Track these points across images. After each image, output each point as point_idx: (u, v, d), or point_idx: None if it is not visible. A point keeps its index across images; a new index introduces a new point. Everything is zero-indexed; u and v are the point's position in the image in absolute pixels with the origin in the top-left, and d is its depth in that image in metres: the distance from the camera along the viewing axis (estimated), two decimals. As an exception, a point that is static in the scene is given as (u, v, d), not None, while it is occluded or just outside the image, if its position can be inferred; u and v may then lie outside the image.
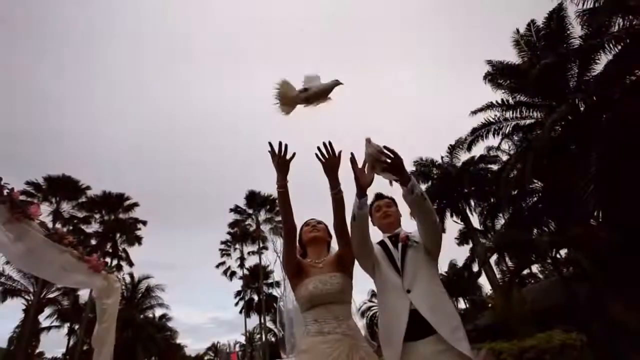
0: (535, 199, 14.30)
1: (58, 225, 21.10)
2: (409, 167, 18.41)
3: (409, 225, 2.16)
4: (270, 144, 1.74)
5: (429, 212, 1.76)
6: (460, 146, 16.81)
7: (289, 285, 1.90)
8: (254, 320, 31.63)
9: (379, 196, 2.18)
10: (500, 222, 16.23)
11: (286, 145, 1.73)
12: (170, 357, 31.76)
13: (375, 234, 2.03)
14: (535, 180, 14.08)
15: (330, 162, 1.78)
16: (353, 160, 1.79)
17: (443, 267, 25.11)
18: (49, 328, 23.81)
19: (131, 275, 26.18)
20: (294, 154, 1.77)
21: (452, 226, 19.14)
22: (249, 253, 29.15)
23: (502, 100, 13.80)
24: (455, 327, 1.64)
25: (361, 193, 1.75)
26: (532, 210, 14.19)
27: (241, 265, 29.21)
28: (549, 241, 11.97)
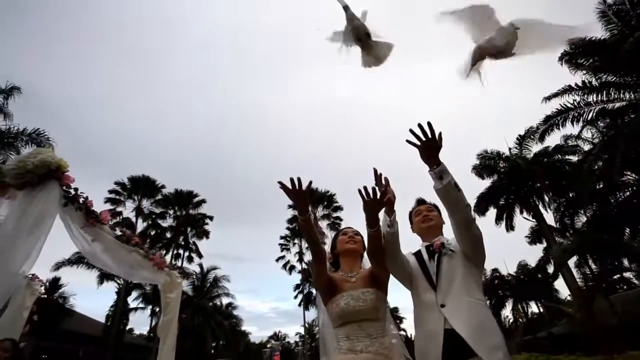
0: (628, 193, 12.39)
1: (140, 220, 23.82)
2: (473, 160, 17.20)
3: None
4: (279, 182, 1.64)
5: (461, 204, 1.59)
6: (532, 136, 15.15)
7: (319, 298, 1.86)
8: (312, 313, 32.41)
9: (420, 201, 2.04)
10: (582, 219, 14.40)
11: (299, 179, 1.62)
12: (235, 342, 34.05)
13: (413, 244, 1.91)
14: (627, 172, 12.19)
15: (370, 204, 1.61)
16: (386, 181, 1.69)
17: (511, 268, 23.13)
18: (135, 309, 27.02)
19: (200, 266, 28.41)
20: (310, 183, 1.67)
21: (522, 224, 17.48)
22: (307, 248, 29.78)
23: (584, 82, 12.11)
24: (494, 346, 1.47)
25: (390, 211, 1.64)
26: (623, 206, 12.32)
27: (300, 260, 30.00)
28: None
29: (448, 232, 2.05)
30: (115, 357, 19.65)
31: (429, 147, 1.57)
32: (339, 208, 27.20)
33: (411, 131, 1.57)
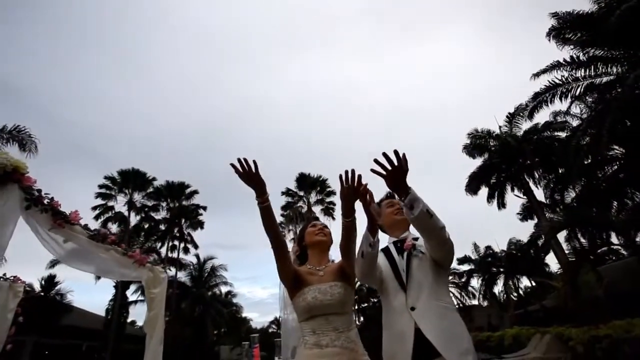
0: (616, 167, 12.51)
1: (132, 214, 23.67)
2: (464, 140, 17.19)
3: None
4: (232, 164, 1.57)
5: (436, 230, 1.53)
6: (521, 114, 15.17)
7: (286, 292, 1.83)
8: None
9: (391, 194, 1.99)
10: (571, 195, 14.59)
11: (246, 160, 1.56)
12: (237, 329, 34.62)
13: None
14: (615, 147, 12.27)
15: (347, 191, 1.55)
16: (371, 195, 1.62)
17: (503, 245, 23.50)
18: (135, 302, 27.23)
19: (197, 256, 28.51)
20: (256, 164, 1.58)
21: (514, 201, 17.67)
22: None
23: (572, 57, 12.01)
24: (463, 351, 1.47)
25: (374, 230, 1.58)
26: (610, 180, 12.47)
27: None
28: (632, 216, 10.46)
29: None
30: (117, 349, 19.88)
31: (396, 175, 1.47)
32: (332, 193, 27.23)
33: (376, 161, 1.47)
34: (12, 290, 4.18)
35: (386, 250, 1.83)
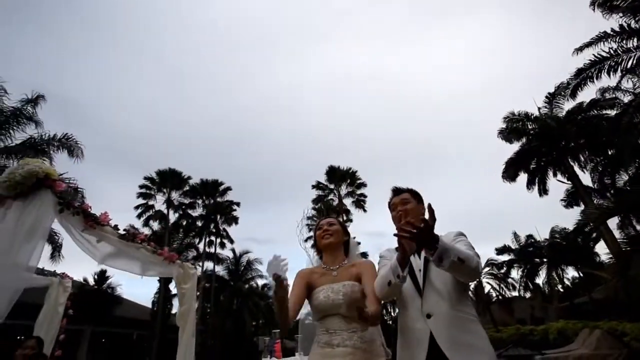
0: (675, 146, 11.31)
1: (171, 212, 24.90)
2: (499, 124, 16.25)
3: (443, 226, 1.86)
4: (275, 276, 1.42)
5: (471, 272, 1.41)
6: (562, 93, 14.05)
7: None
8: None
9: (394, 191, 1.88)
10: (623, 178, 13.40)
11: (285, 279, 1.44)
12: (274, 320, 35.65)
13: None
14: (675, 123, 11.06)
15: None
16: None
17: (544, 233, 22.08)
18: (176, 295, 28.83)
19: (233, 251, 29.53)
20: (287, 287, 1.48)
21: (556, 187, 16.54)
22: (333, 227, 30.10)
23: (622, 26, 10.91)
24: None
25: (404, 263, 1.46)
26: (669, 161, 11.30)
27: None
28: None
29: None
30: (163, 338, 21.15)
31: (424, 234, 1.30)
32: (363, 185, 27.00)
33: (398, 232, 1.34)
34: (62, 286, 4.55)
35: None
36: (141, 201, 24.14)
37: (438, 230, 1.66)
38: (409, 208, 1.76)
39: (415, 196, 1.83)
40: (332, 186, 28.10)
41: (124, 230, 3.06)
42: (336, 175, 27.43)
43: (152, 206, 24.41)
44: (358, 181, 27.62)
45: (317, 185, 28.38)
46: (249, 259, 30.51)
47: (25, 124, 12.59)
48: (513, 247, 22.33)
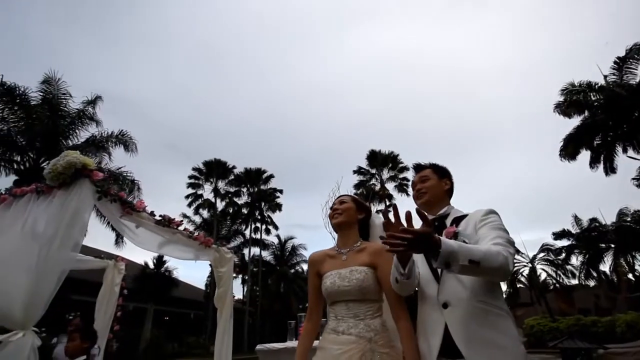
0: None
1: (218, 200, 26.21)
2: (556, 97, 14.72)
3: (466, 203, 1.69)
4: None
5: (492, 273, 1.22)
6: (636, 56, 12.31)
7: None
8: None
9: (414, 168, 1.76)
10: None
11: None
12: (319, 304, 36.52)
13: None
14: None
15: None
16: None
17: (610, 216, 19.84)
18: (228, 278, 30.58)
19: (278, 237, 30.56)
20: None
21: (626, 164, 14.73)
22: (377, 211, 29.80)
23: None
24: None
25: (404, 260, 1.33)
26: None
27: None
28: None
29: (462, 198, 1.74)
30: (215, 318, 22.67)
31: (417, 246, 1.12)
32: (405, 169, 26.25)
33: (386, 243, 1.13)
34: (117, 268, 4.98)
35: None
36: (191, 191, 25.75)
37: (470, 208, 1.54)
38: (427, 186, 1.63)
39: (438, 171, 1.67)
40: (373, 171, 27.69)
41: (160, 216, 3.22)
42: (377, 159, 26.95)
43: (201, 195, 25.93)
44: (400, 165, 26.91)
45: (359, 170, 28.13)
46: (293, 245, 31.38)
47: (87, 124, 13.84)
48: (573, 231, 20.45)
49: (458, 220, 1.50)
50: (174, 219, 3.41)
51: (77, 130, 13.36)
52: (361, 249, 1.61)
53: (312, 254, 1.78)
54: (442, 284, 1.37)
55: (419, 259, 1.51)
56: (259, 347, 2.86)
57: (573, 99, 14.26)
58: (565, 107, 14.43)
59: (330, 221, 1.74)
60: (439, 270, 1.39)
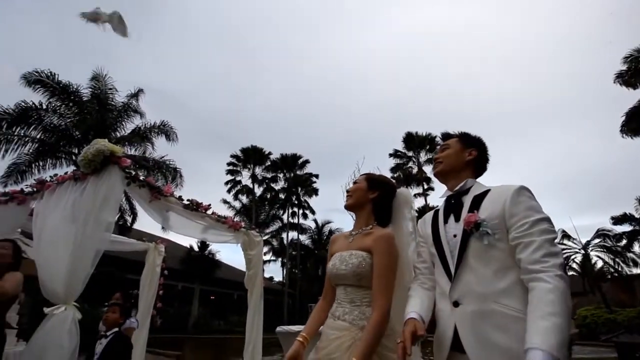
0: None
1: (256, 186, 26.97)
2: (617, 67, 13.12)
3: (494, 177, 1.51)
4: None
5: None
6: None
7: None
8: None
9: (442, 137, 1.62)
10: None
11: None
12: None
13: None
14: None
15: None
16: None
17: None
18: (269, 261, 31.71)
19: (315, 221, 30.95)
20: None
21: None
22: (415, 195, 29.17)
23: None
24: None
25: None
26: None
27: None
28: None
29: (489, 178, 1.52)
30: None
31: None
32: (444, 151, 25.18)
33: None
34: (157, 250, 5.30)
35: (437, 213, 1.42)
36: (229, 177, 26.70)
37: (497, 182, 1.34)
38: (443, 155, 1.47)
39: (463, 140, 1.47)
40: (410, 153, 26.90)
41: (188, 200, 3.33)
42: (414, 141, 26.11)
43: (240, 181, 26.83)
44: (438, 147, 25.86)
45: (395, 154, 27.48)
46: (330, 229, 31.66)
47: (132, 116, 14.72)
48: (637, 215, 18.49)
49: (479, 198, 1.28)
50: (201, 203, 3.51)
51: (123, 123, 14.27)
52: (368, 233, 1.51)
53: (333, 236, 1.75)
54: (455, 280, 1.22)
55: (430, 244, 1.39)
56: (278, 329, 2.92)
57: (639, 67, 12.63)
58: (629, 77, 12.82)
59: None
60: (452, 264, 1.25)
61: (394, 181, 1.69)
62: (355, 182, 1.66)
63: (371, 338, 1.25)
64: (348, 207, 1.62)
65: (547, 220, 1.14)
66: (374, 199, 1.58)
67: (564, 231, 18.75)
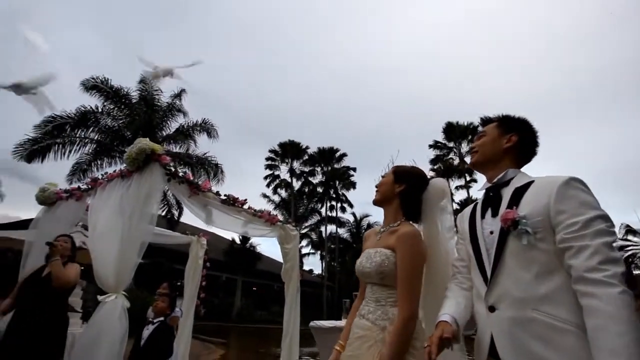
0: None
1: (294, 180, 27.38)
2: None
3: (536, 167, 1.35)
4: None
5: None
6: None
7: None
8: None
9: (482, 122, 1.49)
10: None
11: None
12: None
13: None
14: None
15: None
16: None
17: None
18: (308, 254, 32.21)
19: (353, 214, 30.86)
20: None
21: None
22: (456, 188, 27.99)
23: None
24: None
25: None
26: None
27: (450, 200, 28.55)
28: None
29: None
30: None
31: None
32: (488, 140, 23.83)
33: None
34: (199, 243, 5.55)
35: (474, 208, 1.31)
36: (268, 172, 27.35)
37: (542, 173, 1.18)
38: (479, 143, 1.33)
39: (503, 125, 1.31)
40: (451, 144, 25.79)
41: (225, 195, 3.43)
42: (455, 131, 24.99)
43: (278, 176, 27.37)
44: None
45: (435, 145, 26.51)
46: (369, 222, 31.41)
47: (176, 115, 15.50)
48: None
49: (520, 191, 1.13)
50: (238, 198, 3.61)
51: (168, 122, 15.08)
52: (394, 230, 1.43)
53: (367, 231, 1.70)
54: (492, 282, 1.10)
55: (466, 241, 1.27)
56: (311, 323, 2.93)
57: None
58: None
59: None
60: (488, 264, 1.13)
61: (425, 172, 1.56)
62: (383, 176, 1.58)
63: (394, 344, 1.20)
64: (375, 203, 1.56)
65: (604, 218, 0.96)
66: (401, 192, 1.48)
67: (627, 226, 17.03)
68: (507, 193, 1.18)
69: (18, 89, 3.39)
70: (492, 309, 1.08)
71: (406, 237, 1.33)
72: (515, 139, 1.26)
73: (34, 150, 12.28)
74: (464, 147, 24.93)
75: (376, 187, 1.57)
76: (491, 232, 1.16)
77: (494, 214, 1.18)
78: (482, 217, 1.23)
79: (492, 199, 1.23)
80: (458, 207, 29.45)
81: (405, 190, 1.48)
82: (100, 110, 13.52)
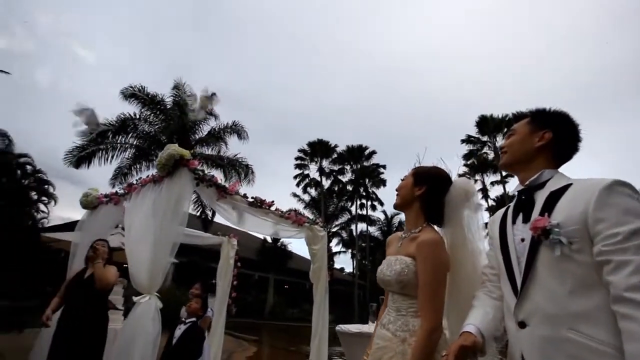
0: None
1: (323, 178, 27.39)
2: None
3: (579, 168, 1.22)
4: None
5: None
6: None
7: None
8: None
9: (514, 118, 1.34)
10: None
11: None
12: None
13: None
14: None
15: None
16: None
17: None
18: (339, 252, 32.14)
19: (384, 212, 30.40)
20: None
21: None
22: (492, 183, 26.75)
23: None
24: None
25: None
26: None
27: (485, 197, 27.24)
28: None
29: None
30: (329, 290, 24.37)
31: None
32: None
33: None
34: (230, 243, 5.69)
35: (505, 214, 1.20)
36: (298, 171, 27.56)
37: (585, 175, 1.07)
38: (508, 143, 1.23)
39: (536, 120, 1.19)
40: (484, 138, 24.69)
41: (252, 197, 3.48)
42: (489, 125, 23.88)
43: (307, 175, 27.51)
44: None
45: (468, 139, 25.48)
46: (400, 220, 30.83)
47: (208, 118, 16.01)
48: None
49: (556, 195, 1.02)
50: (265, 199, 3.64)
51: (200, 125, 15.61)
52: (415, 236, 1.35)
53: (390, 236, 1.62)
54: (521, 296, 1.01)
55: (496, 247, 1.18)
56: (338, 327, 2.89)
57: None
58: None
59: None
60: (518, 275, 1.03)
61: (447, 172, 1.44)
62: (402, 179, 1.50)
63: (417, 357, 1.15)
64: (396, 207, 1.49)
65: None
66: (421, 195, 1.40)
67: None
68: (540, 197, 1.07)
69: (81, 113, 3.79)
70: (522, 324, 1.00)
71: (426, 245, 1.26)
72: (549, 136, 1.15)
73: (81, 156, 13.18)
74: (499, 141, 23.76)
75: (396, 190, 1.50)
76: (522, 240, 1.07)
77: (525, 220, 1.08)
78: (513, 222, 1.13)
79: (524, 202, 1.12)
80: (494, 204, 28.17)
81: (425, 193, 1.40)
82: (138, 116, 14.25)
